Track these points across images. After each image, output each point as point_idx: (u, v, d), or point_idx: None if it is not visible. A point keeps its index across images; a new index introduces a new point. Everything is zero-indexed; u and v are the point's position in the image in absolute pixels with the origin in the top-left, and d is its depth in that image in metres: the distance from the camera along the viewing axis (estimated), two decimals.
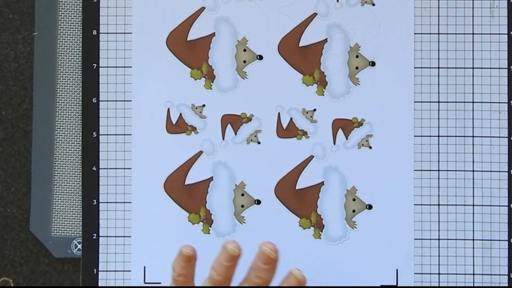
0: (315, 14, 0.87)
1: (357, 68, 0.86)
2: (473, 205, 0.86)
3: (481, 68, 0.86)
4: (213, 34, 0.87)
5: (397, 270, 0.86)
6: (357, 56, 0.86)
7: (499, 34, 0.86)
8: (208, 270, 0.84)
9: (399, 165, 0.86)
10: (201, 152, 0.87)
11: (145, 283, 0.87)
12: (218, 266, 0.77)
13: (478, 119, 0.86)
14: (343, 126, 0.86)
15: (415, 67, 0.86)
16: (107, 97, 0.87)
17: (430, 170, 0.86)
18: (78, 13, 0.88)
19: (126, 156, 0.87)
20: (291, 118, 0.87)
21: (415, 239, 0.86)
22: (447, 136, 0.86)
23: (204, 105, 0.87)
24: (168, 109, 0.87)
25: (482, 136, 0.86)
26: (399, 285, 0.86)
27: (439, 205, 0.86)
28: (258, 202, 0.87)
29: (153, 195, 0.87)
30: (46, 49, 0.88)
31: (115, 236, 0.87)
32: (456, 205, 0.86)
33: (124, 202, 0.87)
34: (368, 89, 0.86)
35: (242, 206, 0.87)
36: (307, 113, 0.87)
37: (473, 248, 0.86)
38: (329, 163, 0.86)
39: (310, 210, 0.86)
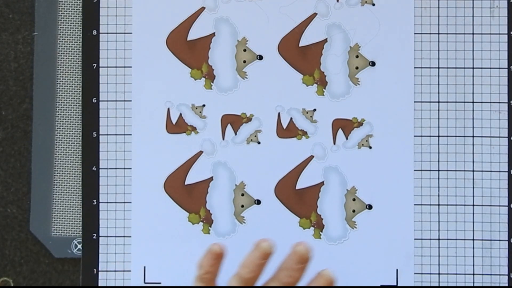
0: (315, 14, 0.87)
1: (357, 68, 0.86)
2: (473, 205, 0.86)
3: (481, 68, 0.86)
4: (213, 34, 0.87)
5: (397, 270, 0.86)
6: (357, 56, 0.86)
7: (499, 34, 0.86)
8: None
9: (399, 165, 0.86)
10: (201, 152, 0.87)
11: (145, 283, 0.87)
12: (250, 263, 0.77)
13: (478, 119, 0.86)
14: (343, 126, 0.86)
15: (415, 67, 0.86)
16: (107, 97, 0.87)
17: (430, 170, 0.86)
18: (78, 13, 0.88)
19: (126, 156, 0.87)
20: (291, 118, 0.87)
21: (415, 239, 0.86)
22: (447, 136, 0.86)
23: (204, 105, 0.87)
24: (168, 109, 0.87)
25: (482, 136, 0.86)
26: (399, 285, 0.86)
27: (439, 205, 0.86)
28: (258, 202, 0.87)
29: (153, 195, 0.87)
30: (46, 49, 0.88)
31: (115, 236, 0.87)
32: (456, 205, 0.86)
33: (124, 202, 0.87)
34: (368, 89, 0.86)
35: (242, 206, 0.87)
36: (307, 113, 0.87)
37: (473, 248, 0.86)
38: (329, 163, 0.86)
39: (310, 210, 0.86)
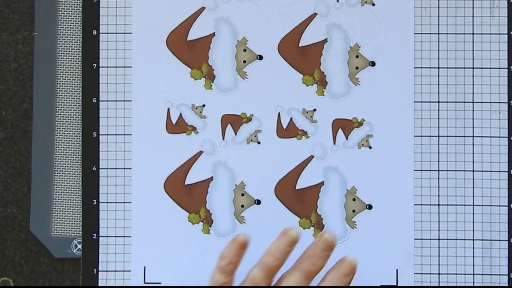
0: (315, 14, 0.87)
1: (357, 68, 0.86)
2: (473, 205, 0.86)
3: (481, 68, 0.86)
4: (213, 34, 0.87)
5: (397, 270, 0.86)
6: (357, 56, 0.86)
7: (499, 34, 0.86)
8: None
9: (399, 165, 0.86)
10: (201, 152, 0.87)
11: (145, 283, 0.87)
12: (276, 251, 0.78)
13: (478, 119, 0.86)
14: (343, 126, 0.86)
15: (415, 67, 0.86)
16: (107, 97, 0.87)
17: (430, 170, 0.86)
18: (78, 13, 0.88)
19: (126, 156, 0.87)
20: (291, 118, 0.87)
21: (415, 239, 0.86)
22: (447, 136, 0.86)
23: (204, 105, 0.87)
24: (168, 109, 0.87)
25: (482, 136, 0.86)
26: (399, 285, 0.86)
27: (439, 205, 0.86)
28: (258, 202, 0.87)
29: (153, 195, 0.87)
30: (46, 49, 0.88)
31: (115, 236, 0.87)
32: (456, 205, 0.86)
33: (124, 202, 0.87)
34: (368, 89, 0.86)
35: (242, 206, 0.87)
36: (307, 113, 0.87)
37: (473, 248, 0.86)
38: (329, 163, 0.86)
39: (310, 210, 0.86)
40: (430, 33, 0.86)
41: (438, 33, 0.86)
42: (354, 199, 0.86)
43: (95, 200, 0.87)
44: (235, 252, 0.79)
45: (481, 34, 0.86)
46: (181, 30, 0.87)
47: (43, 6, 0.88)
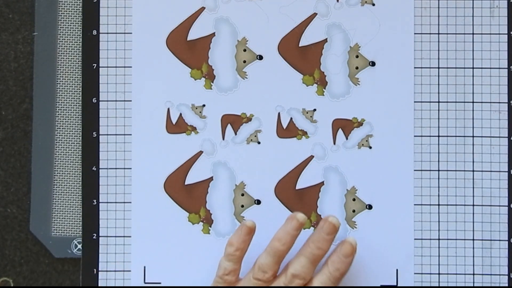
0: (315, 14, 0.87)
1: (357, 68, 0.86)
2: (473, 205, 0.86)
3: (481, 68, 0.86)
4: (213, 34, 0.87)
5: (397, 270, 0.86)
6: (357, 56, 0.86)
7: (499, 34, 0.86)
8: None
9: (399, 165, 0.86)
10: (201, 152, 0.87)
11: (145, 283, 0.87)
12: (284, 235, 0.81)
13: (478, 119, 0.86)
14: (343, 126, 0.86)
15: (415, 67, 0.86)
16: (107, 97, 0.87)
17: (430, 170, 0.86)
18: (78, 13, 0.88)
19: (126, 156, 0.87)
20: (291, 118, 0.87)
21: (415, 239, 0.86)
22: (447, 136, 0.86)
23: (204, 105, 0.87)
24: (168, 109, 0.87)
25: (482, 136, 0.86)
26: (399, 285, 0.86)
27: (439, 205, 0.86)
28: (258, 202, 0.87)
29: (153, 195, 0.87)
30: (46, 49, 0.88)
31: (115, 236, 0.87)
32: (456, 205, 0.86)
33: (124, 202, 0.87)
34: (368, 89, 0.86)
35: (242, 206, 0.87)
36: (307, 113, 0.87)
37: (473, 248, 0.86)
38: (329, 163, 0.86)
39: (310, 210, 0.86)
40: (430, 33, 0.86)
41: (438, 33, 0.86)
42: (354, 199, 0.86)
43: (95, 200, 0.87)
44: (243, 238, 0.82)
45: (481, 34, 0.86)
46: (181, 30, 0.87)
47: (43, 6, 0.88)
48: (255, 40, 0.87)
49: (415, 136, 0.86)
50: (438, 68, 0.86)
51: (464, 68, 0.86)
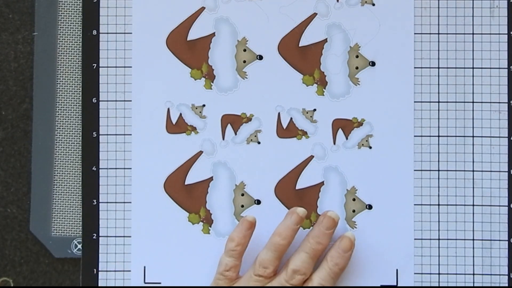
0: (315, 14, 0.87)
1: (357, 68, 0.86)
2: (473, 205, 0.86)
3: (481, 68, 0.86)
4: (213, 34, 0.87)
5: (397, 270, 0.86)
6: (357, 56, 0.86)
7: (499, 34, 0.86)
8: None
9: (399, 165, 0.86)
10: (201, 152, 0.87)
11: (145, 283, 0.87)
12: (284, 230, 0.83)
13: (478, 119, 0.86)
14: (343, 126, 0.86)
15: (415, 67, 0.86)
16: (107, 97, 0.87)
17: (430, 170, 0.86)
18: (78, 13, 0.88)
19: (126, 156, 0.87)
20: (291, 118, 0.87)
21: (415, 239, 0.86)
22: (447, 136, 0.86)
23: (204, 105, 0.87)
24: (168, 109, 0.87)
25: (482, 136, 0.86)
26: (399, 285, 0.86)
27: (439, 205, 0.86)
28: (258, 202, 0.87)
29: (153, 195, 0.87)
30: (46, 49, 0.88)
31: (115, 236, 0.87)
32: (456, 205, 0.86)
33: (124, 202, 0.87)
34: (368, 89, 0.86)
35: (242, 206, 0.87)
36: (307, 113, 0.87)
37: (473, 248, 0.86)
38: (329, 163, 0.86)
39: (310, 210, 0.86)
40: (430, 33, 0.86)
41: (438, 33, 0.86)
42: (354, 199, 0.86)
43: (95, 200, 0.87)
44: (244, 233, 0.83)
45: (481, 34, 0.86)
46: (181, 30, 0.87)
47: (43, 6, 0.88)
48: (255, 40, 0.87)
49: (415, 136, 0.86)
50: (438, 68, 0.86)
51: (464, 68, 0.86)
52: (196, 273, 0.86)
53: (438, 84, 0.86)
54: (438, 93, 0.86)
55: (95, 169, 0.87)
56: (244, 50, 0.87)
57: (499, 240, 0.86)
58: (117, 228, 0.87)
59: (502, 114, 0.86)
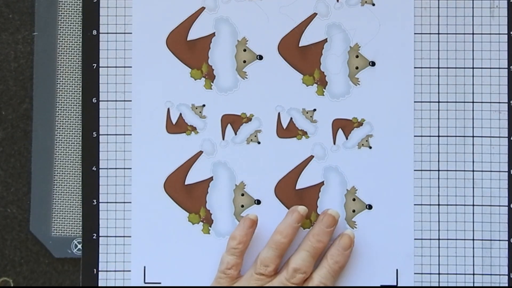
0: (315, 14, 0.87)
1: (357, 68, 0.86)
2: (473, 205, 0.86)
3: (481, 68, 0.86)
4: (213, 34, 0.87)
5: (397, 270, 0.86)
6: (357, 56, 0.86)
7: (499, 34, 0.86)
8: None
9: (399, 165, 0.86)
10: (201, 152, 0.87)
11: (145, 283, 0.87)
12: (285, 228, 0.83)
13: (478, 119, 0.86)
14: (343, 126, 0.86)
15: (415, 67, 0.86)
16: (107, 97, 0.87)
17: (430, 170, 0.86)
18: (78, 13, 0.88)
19: (126, 156, 0.87)
20: (291, 118, 0.87)
21: (415, 239, 0.86)
22: (447, 136, 0.86)
23: (204, 105, 0.87)
24: (168, 109, 0.87)
25: (482, 136, 0.86)
26: (399, 285, 0.86)
27: (439, 205, 0.86)
28: (258, 202, 0.87)
29: (153, 195, 0.87)
30: (46, 49, 0.88)
31: (115, 236, 0.87)
32: (456, 205, 0.86)
33: (124, 202, 0.87)
34: (368, 89, 0.86)
35: (242, 206, 0.87)
36: (307, 113, 0.87)
37: (473, 248, 0.86)
38: (329, 163, 0.86)
39: (310, 210, 0.86)
40: (430, 33, 0.86)
41: (438, 33, 0.86)
42: (354, 199, 0.86)
43: (95, 200, 0.87)
44: (245, 231, 0.84)
45: (481, 34, 0.86)
46: (181, 30, 0.87)
47: (43, 6, 0.88)
48: (255, 40, 0.87)
49: (415, 136, 0.86)
50: (438, 68, 0.86)
51: (464, 68, 0.86)
52: (196, 273, 0.86)
53: (438, 84, 0.86)
54: (438, 93, 0.86)
55: (95, 169, 0.87)
56: (244, 50, 0.87)
57: (499, 240, 0.86)
58: (117, 228, 0.87)
59: (502, 114, 0.86)
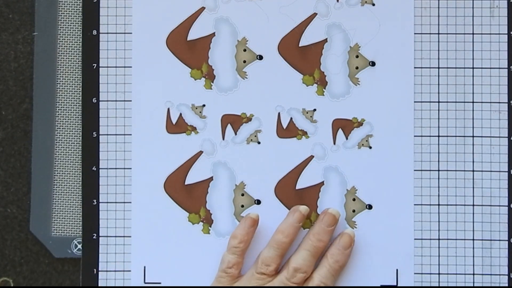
0: (315, 14, 0.87)
1: (357, 68, 0.86)
2: (473, 205, 0.86)
3: (481, 68, 0.86)
4: (213, 34, 0.87)
5: (397, 270, 0.86)
6: (357, 56, 0.86)
7: (499, 34, 0.86)
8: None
9: (399, 165, 0.86)
10: (201, 152, 0.87)
11: (145, 283, 0.87)
12: (287, 227, 0.84)
13: (478, 119, 0.86)
14: (343, 126, 0.86)
15: (415, 67, 0.86)
16: (107, 97, 0.87)
17: (430, 170, 0.86)
18: (78, 13, 0.88)
19: (126, 156, 0.87)
20: (291, 118, 0.87)
21: (415, 239, 0.86)
22: (447, 136, 0.86)
23: (204, 105, 0.87)
24: (168, 109, 0.87)
25: (482, 136, 0.86)
26: (399, 285, 0.86)
27: (439, 205, 0.86)
28: (258, 202, 0.87)
29: (153, 195, 0.87)
30: (46, 49, 0.88)
31: (115, 236, 0.87)
32: (456, 205, 0.86)
33: (124, 202, 0.87)
34: (368, 89, 0.86)
35: (242, 206, 0.87)
36: (307, 113, 0.87)
37: (473, 248, 0.86)
38: (329, 163, 0.86)
39: (311, 210, 0.86)
40: (430, 33, 0.86)
41: (438, 33, 0.86)
42: (354, 199, 0.86)
43: (95, 200, 0.87)
44: (247, 230, 0.84)
45: (481, 34, 0.86)
46: (181, 30, 0.87)
47: (43, 6, 0.88)
48: (255, 40, 0.87)
49: (415, 136, 0.86)
50: (438, 68, 0.86)
51: (464, 68, 0.86)
52: (196, 273, 0.86)
53: (438, 84, 0.86)
54: (438, 93, 0.86)
55: (95, 169, 0.87)
56: (244, 50, 0.87)
57: (499, 240, 0.86)
58: (117, 228, 0.87)
59: (502, 114, 0.86)
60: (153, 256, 0.87)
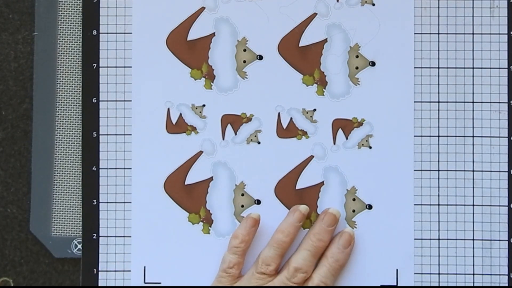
0: (315, 14, 0.87)
1: (357, 68, 0.86)
2: (473, 205, 0.86)
3: (481, 68, 0.86)
4: (213, 34, 0.87)
5: (397, 270, 0.86)
6: (357, 56, 0.86)
7: (499, 34, 0.86)
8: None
9: (399, 165, 0.86)
10: (201, 152, 0.87)
11: (145, 283, 0.87)
12: (287, 227, 0.84)
13: (478, 119, 0.86)
14: (343, 126, 0.86)
15: (415, 67, 0.86)
16: (107, 97, 0.87)
17: (430, 170, 0.86)
18: (78, 13, 0.88)
19: (126, 156, 0.87)
20: (291, 118, 0.87)
21: (415, 239, 0.86)
22: (447, 136, 0.86)
23: (204, 105, 0.87)
24: (168, 109, 0.87)
25: (482, 136, 0.86)
26: (399, 285, 0.86)
27: (439, 205, 0.86)
28: (258, 202, 0.87)
29: (153, 195, 0.87)
30: (46, 49, 0.88)
31: (115, 236, 0.87)
32: (456, 205, 0.86)
33: (124, 202, 0.87)
34: (368, 89, 0.86)
35: (242, 206, 0.87)
36: (307, 113, 0.87)
37: (473, 248, 0.86)
38: (329, 163, 0.86)
39: (310, 210, 0.86)
40: (430, 33, 0.86)
41: (438, 33, 0.86)
42: (354, 199, 0.86)
43: (95, 200, 0.87)
44: (248, 230, 0.84)
45: (481, 34, 0.86)
46: (181, 30, 0.87)
47: (43, 6, 0.88)
48: (255, 40, 0.87)
49: (415, 136, 0.86)
50: (438, 68, 0.86)
51: (464, 68, 0.86)
52: (196, 273, 0.86)
53: (438, 84, 0.86)
54: (438, 93, 0.86)
55: (95, 169, 0.87)
56: (244, 50, 0.87)
57: (499, 240, 0.86)
58: (117, 228, 0.87)
59: (502, 114, 0.86)
60: (153, 256, 0.87)
